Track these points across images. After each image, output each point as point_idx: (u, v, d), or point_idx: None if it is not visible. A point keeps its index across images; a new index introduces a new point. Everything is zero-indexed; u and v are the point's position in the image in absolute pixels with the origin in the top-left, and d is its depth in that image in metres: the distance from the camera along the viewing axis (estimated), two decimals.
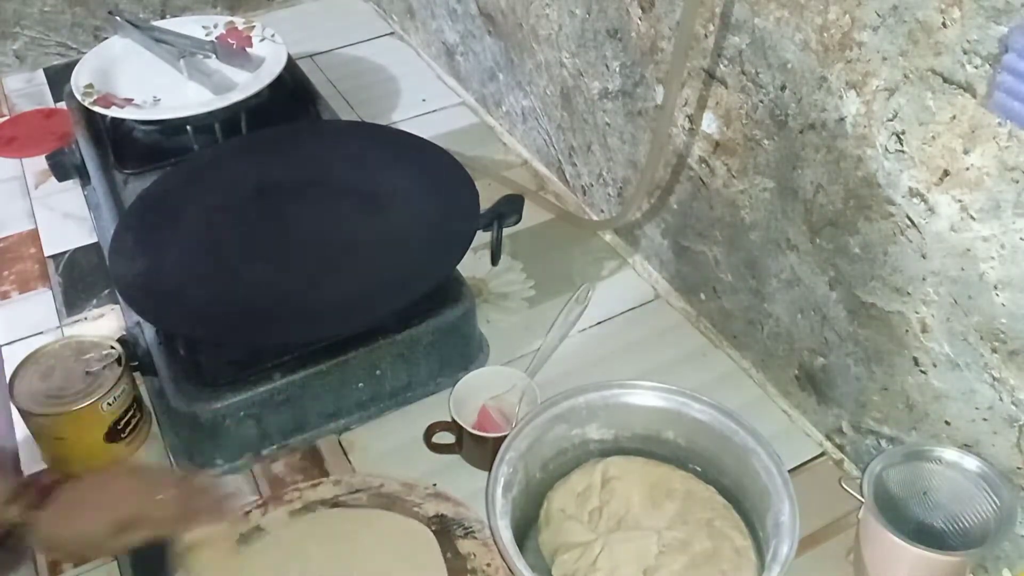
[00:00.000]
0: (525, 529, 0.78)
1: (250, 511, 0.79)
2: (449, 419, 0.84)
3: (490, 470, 0.75)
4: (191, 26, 1.27)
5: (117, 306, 1.02)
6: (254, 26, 1.26)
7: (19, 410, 0.82)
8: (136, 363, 0.86)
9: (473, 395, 0.87)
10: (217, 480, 0.73)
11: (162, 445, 0.88)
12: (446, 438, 0.86)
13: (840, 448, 0.87)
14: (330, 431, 0.89)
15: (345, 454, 0.87)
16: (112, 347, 0.85)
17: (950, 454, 0.71)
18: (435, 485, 0.82)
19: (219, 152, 1.09)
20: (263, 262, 0.91)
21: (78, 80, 1.15)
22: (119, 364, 0.84)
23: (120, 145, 1.12)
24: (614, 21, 0.96)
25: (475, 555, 0.76)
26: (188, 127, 1.10)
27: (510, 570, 0.71)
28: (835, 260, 0.78)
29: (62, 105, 1.29)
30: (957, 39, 0.60)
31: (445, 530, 0.77)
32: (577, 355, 0.95)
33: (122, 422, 0.85)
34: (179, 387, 0.83)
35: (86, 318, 1.01)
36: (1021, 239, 0.62)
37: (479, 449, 0.83)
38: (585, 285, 0.99)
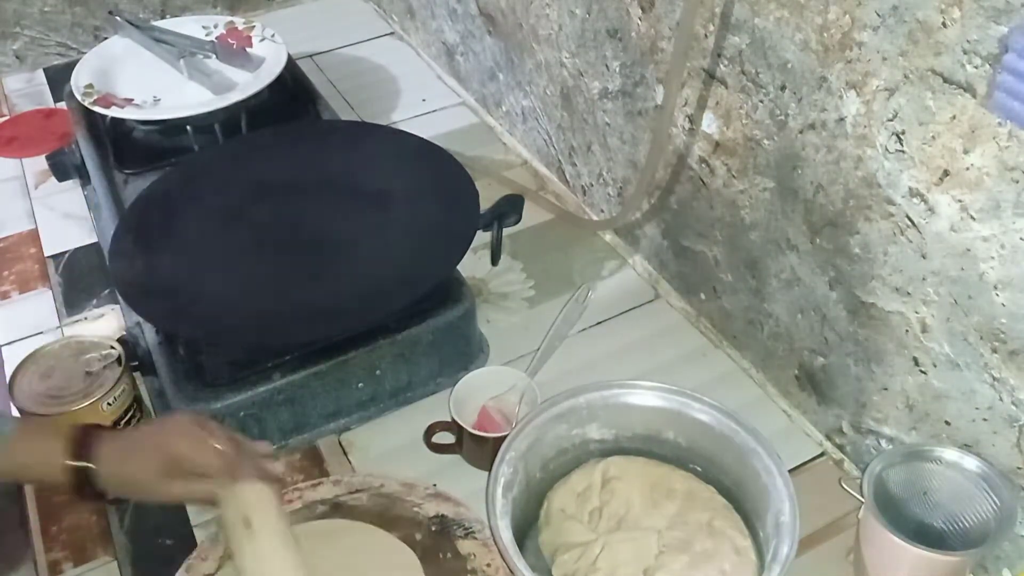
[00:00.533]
0: (525, 529, 0.78)
1: None
2: (449, 419, 0.84)
3: (490, 470, 0.75)
4: (191, 26, 1.27)
5: (117, 306, 1.01)
6: (254, 26, 1.26)
7: (19, 410, 0.82)
8: (136, 363, 0.86)
9: (473, 395, 0.87)
10: (268, 448, 0.75)
11: None
12: (446, 438, 0.86)
13: (840, 448, 0.87)
14: (330, 431, 0.89)
15: (345, 454, 0.87)
16: (112, 347, 0.85)
17: (950, 454, 0.71)
18: (435, 485, 0.82)
19: (219, 152, 1.09)
20: (263, 262, 0.91)
21: (78, 80, 1.15)
22: (119, 364, 0.84)
23: (120, 145, 1.12)
24: (614, 21, 0.96)
25: (475, 555, 0.75)
26: (188, 127, 1.10)
27: (510, 570, 0.71)
28: (835, 260, 0.78)
29: (62, 105, 1.29)
30: (957, 39, 0.61)
31: (445, 530, 0.77)
32: (577, 355, 0.95)
33: (122, 422, 0.85)
34: (179, 387, 0.83)
35: (86, 318, 1.01)
36: (1021, 239, 0.62)
37: (479, 449, 0.83)
38: (585, 286, 0.99)
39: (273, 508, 0.69)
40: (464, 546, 0.76)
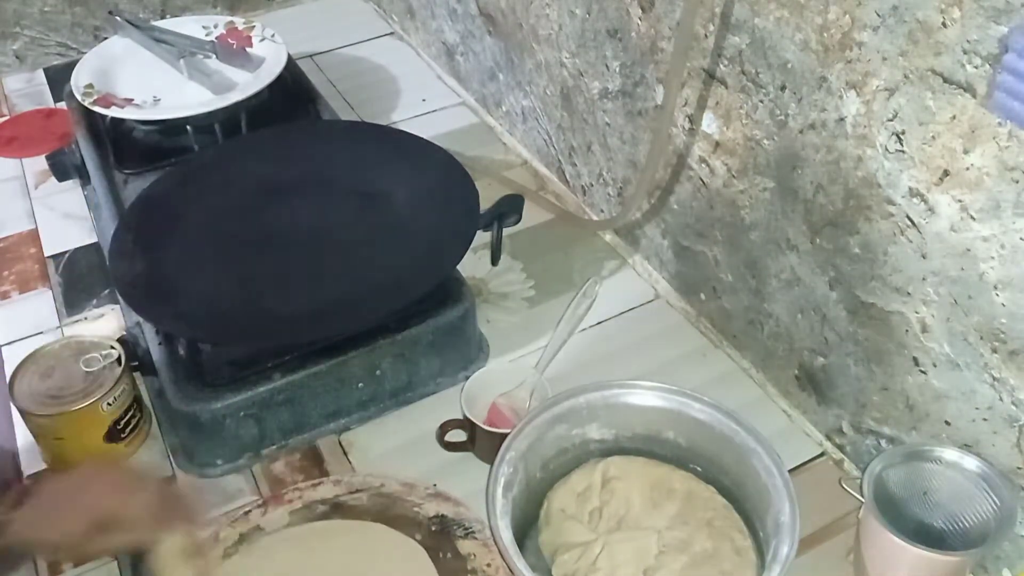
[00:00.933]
0: (525, 529, 0.78)
1: (250, 511, 0.79)
2: (460, 417, 0.84)
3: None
4: (191, 26, 1.27)
5: (117, 306, 1.01)
6: (254, 26, 1.26)
7: (19, 410, 0.82)
8: (136, 363, 0.86)
9: (484, 392, 0.87)
10: (196, 488, 0.73)
11: (162, 445, 0.88)
12: (458, 436, 0.86)
13: (840, 448, 0.87)
14: (330, 431, 0.89)
15: (345, 454, 0.87)
16: (112, 347, 0.85)
17: (950, 454, 0.71)
18: (435, 485, 0.82)
19: (219, 152, 1.09)
20: (263, 262, 0.91)
21: (78, 80, 1.15)
22: (119, 364, 0.84)
23: (120, 145, 1.12)
24: (614, 21, 0.96)
25: (475, 555, 0.76)
26: (188, 127, 1.10)
27: (510, 570, 0.71)
28: (835, 260, 0.78)
29: (62, 105, 1.29)
30: (957, 39, 0.61)
31: (445, 530, 0.77)
32: (577, 355, 0.95)
33: (122, 422, 0.85)
34: (179, 387, 0.83)
35: (86, 318, 1.01)
36: (1021, 239, 0.62)
37: (491, 445, 0.82)
38: (592, 279, 0.99)
39: (186, 562, 0.66)
40: (464, 546, 0.76)
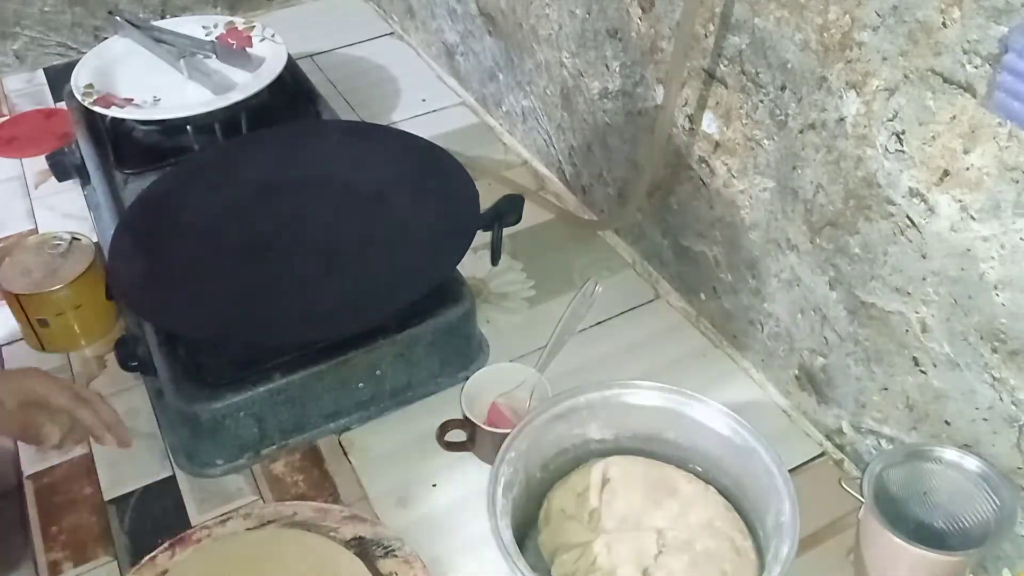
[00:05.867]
0: (525, 529, 0.78)
1: (156, 555, 0.75)
2: (460, 417, 0.84)
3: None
4: (191, 26, 1.27)
5: None
6: (254, 26, 1.26)
7: (32, 302, 0.91)
8: (136, 363, 0.86)
9: (484, 392, 0.87)
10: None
11: (162, 445, 0.88)
12: (458, 436, 0.86)
13: (840, 448, 0.87)
14: (330, 431, 0.89)
15: (345, 454, 0.87)
16: (63, 235, 0.97)
17: (950, 454, 0.71)
18: (351, 507, 0.81)
19: (219, 152, 1.09)
20: (263, 262, 0.91)
21: (78, 80, 1.15)
22: (78, 242, 0.96)
23: (120, 145, 1.12)
24: (614, 21, 0.96)
25: (397, 574, 0.74)
26: (188, 127, 1.10)
27: (510, 571, 0.71)
28: (835, 260, 0.78)
29: (62, 105, 1.29)
30: (957, 39, 0.61)
31: (364, 552, 0.75)
32: (577, 355, 0.95)
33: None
34: (179, 387, 0.83)
35: None
36: (1021, 239, 0.62)
37: (491, 445, 0.82)
38: (592, 280, 0.99)
39: None
40: (385, 565, 0.75)
